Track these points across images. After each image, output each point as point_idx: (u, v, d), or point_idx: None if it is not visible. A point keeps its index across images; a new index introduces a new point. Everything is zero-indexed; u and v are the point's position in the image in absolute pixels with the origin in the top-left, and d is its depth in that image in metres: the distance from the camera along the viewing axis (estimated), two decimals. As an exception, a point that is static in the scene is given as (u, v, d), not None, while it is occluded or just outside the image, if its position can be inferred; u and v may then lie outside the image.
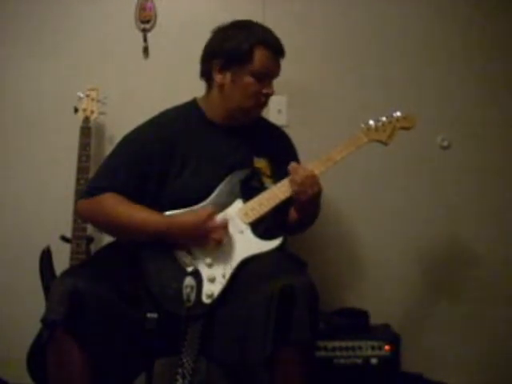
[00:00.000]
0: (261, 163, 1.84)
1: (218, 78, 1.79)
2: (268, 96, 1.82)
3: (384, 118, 1.87)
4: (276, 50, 1.79)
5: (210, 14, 2.30)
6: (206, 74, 1.84)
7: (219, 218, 1.67)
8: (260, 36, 1.78)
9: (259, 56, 1.76)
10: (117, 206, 1.69)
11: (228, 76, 1.78)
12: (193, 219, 1.65)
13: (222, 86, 1.80)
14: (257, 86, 1.78)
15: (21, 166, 2.36)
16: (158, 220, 1.67)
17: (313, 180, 1.73)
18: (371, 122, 1.86)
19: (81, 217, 2.00)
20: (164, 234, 1.66)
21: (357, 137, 1.84)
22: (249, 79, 1.77)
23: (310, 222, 1.94)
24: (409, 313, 2.34)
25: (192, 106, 1.89)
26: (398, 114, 1.89)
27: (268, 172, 1.84)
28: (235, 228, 1.70)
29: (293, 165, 1.74)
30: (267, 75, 1.79)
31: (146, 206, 1.70)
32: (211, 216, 1.65)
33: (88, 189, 1.78)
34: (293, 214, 1.85)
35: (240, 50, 1.75)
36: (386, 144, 1.87)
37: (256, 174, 1.81)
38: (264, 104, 1.84)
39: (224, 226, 1.66)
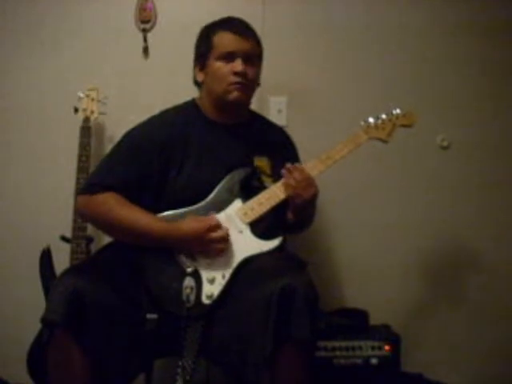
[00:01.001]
0: (261, 162, 1.84)
1: (198, 77, 1.86)
2: (240, 75, 1.77)
3: (384, 116, 1.87)
4: (232, 28, 1.81)
5: (209, 14, 2.26)
6: (194, 79, 1.90)
7: (222, 227, 1.67)
8: (216, 23, 1.84)
9: (217, 40, 1.80)
10: (119, 208, 1.68)
11: (204, 72, 1.83)
12: (195, 228, 1.64)
13: (202, 84, 1.85)
14: (226, 68, 1.79)
15: (21, 165, 2.36)
16: (160, 226, 1.66)
17: (307, 182, 1.72)
18: (371, 120, 1.86)
19: (80, 214, 1.96)
20: (165, 241, 1.66)
21: (356, 135, 1.84)
22: (216, 64, 1.79)
23: (306, 224, 1.94)
24: (409, 313, 2.35)
25: (191, 105, 1.89)
26: (398, 111, 1.89)
27: (268, 171, 1.83)
28: (234, 228, 1.70)
29: (287, 167, 1.74)
30: (233, 54, 1.79)
31: (147, 210, 1.69)
32: (215, 227, 1.65)
33: (87, 185, 1.78)
34: (289, 215, 1.84)
35: (202, 44, 1.83)
36: (385, 142, 1.87)
37: (256, 173, 1.81)
38: (240, 85, 1.78)
39: (225, 237, 1.66)
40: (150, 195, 1.75)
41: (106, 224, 1.73)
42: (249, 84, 1.82)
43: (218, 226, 1.66)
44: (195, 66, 1.87)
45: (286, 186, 1.73)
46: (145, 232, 1.66)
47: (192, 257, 1.66)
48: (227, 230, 1.67)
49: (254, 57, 1.83)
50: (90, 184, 1.76)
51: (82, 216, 1.99)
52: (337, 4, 2.35)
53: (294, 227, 1.90)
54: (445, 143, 2.32)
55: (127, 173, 1.73)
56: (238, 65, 1.78)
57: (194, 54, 1.88)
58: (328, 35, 2.35)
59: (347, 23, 2.35)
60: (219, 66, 1.79)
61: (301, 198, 1.72)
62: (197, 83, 1.89)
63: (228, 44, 1.79)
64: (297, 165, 1.76)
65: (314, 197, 1.76)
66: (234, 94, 1.80)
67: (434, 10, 2.34)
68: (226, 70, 1.78)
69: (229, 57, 1.78)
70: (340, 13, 2.35)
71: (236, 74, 1.77)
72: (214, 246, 1.64)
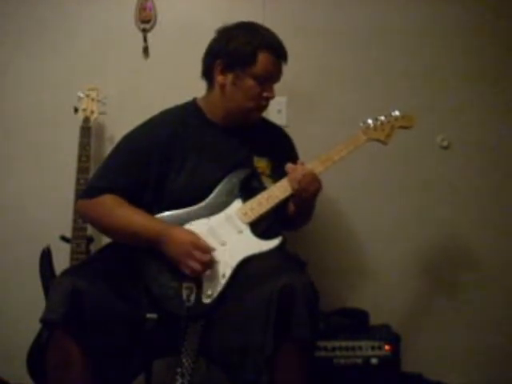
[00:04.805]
0: (261, 163, 1.84)
1: (219, 78, 1.79)
2: (268, 100, 1.82)
3: (383, 118, 1.87)
4: (279, 54, 1.79)
5: (210, 13, 2.30)
6: (208, 74, 1.84)
7: (209, 254, 1.63)
8: (264, 40, 1.77)
9: (262, 60, 1.75)
10: (115, 208, 1.69)
11: (230, 77, 1.78)
12: (185, 238, 1.62)
13: (223, 87, 1.79)
14: (258, 89, 1.77)
15: (21, 166, 2.36)
16: (153, 227, 1.66)
17: (312, 177, 1.73)
18: (370, 121, 1.86)
19: (81, 217, 2.01)
20: (154, 243, 1.64)
21: (356, 136, 1.85)
22: (250, 82, 1.76)
23: (305, 220, 1.94)
24: (409, 313, 2.35)
25: (192, 105, 1.89)
26: (397, 113, 1.89)
27: (268, 172, 1.84)
28: (234, 228, 1.70)
29: (289, 165, 1.74)
30: (269, 79, 1.79)
31: (144, 211, 1.69)
32: (204, 247, 1.62)
33: (87, 189, 1.79)
34: (290, 208, 1.84)
35: (243, 53, 1.75)
36: (385, 143, 1.87)
37: (256, 173, 1.81)
38: (264, 107, 1.85)
39: (205, 262, 1.60)
40: (150, 196, 1.75)
41: (104, 225, 1.74)
42: (268, 105, 1.85)
43: (207, 250, 1.62)
44: (217, 63, 1.78)
45: (292, 180, 1.72)
46: (138, 231, 1.65)
47: None
48: (212, 260, 1.62)
49: (279, 80, 1.84)
50: (89, 188, 1.78)
51: (83, 219, 2.02)
52: (337, 4, 2.35)
53: (294, 222, 1.91)
54: (445, 143, 2.32)
55: (126, 175, 1.74)
56: (271, 91, 1.80)
57: (218, 51, 1.78)
58: (328, 35, 2.35)
59: (347, 23, 2.36)
60: (253, 85, 1.76)
61: (307, 192, 1.72)
62: (209, 79, 1.84)
63: (270, 69, 1.77)
64: (298, 162, 1.77)
65: (318, 191, 1.76)
66: (256, 115, 1.84)
67: (434, 11, 2.35)
68: (257, 92, 1.77)
69: (264, 80, 1.77)
70: (340, 13, 2.35)
71: (266, 98, 1.80)
72: (192, 263, 1.59)
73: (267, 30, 1.82)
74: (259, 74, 1.76)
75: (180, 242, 1.62)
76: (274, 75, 1.80)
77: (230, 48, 1.77)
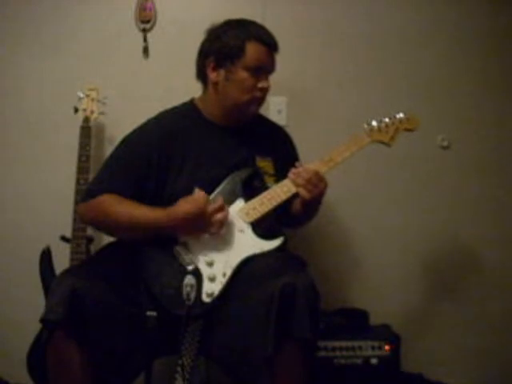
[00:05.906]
0: (263, 163, 1.84)
1: (212, 76, 1.79)
2: (263, 91, 1.80)
3: (387, 119, 1.86)
4: (268, 43, 1.79)
5: (209, 13, 2.28)
6: (201, 74, 1.85)
7: (215, 201, 1.67)
8: (251, 31, 1.78)
9: (251, 50, 1.75)
10: (115, 204, 1.69)
11: (222, 73, 1.78)
12: (193, 208, 1.64)
13: (216, 84, 1.80)
14: (251, 81, 1.77)
15: (21, 165, 2.36)
16: (157, 213, 1.67)
17: (317, 178, 1.72)
18: (374, 123, 1.85)
19: (82, 220, 1.99)
20: (165, 227, 1.66)
21: (359, 137, 1.84)
22: (243, 74, 1.76)
23: (312, 216, 1.93)
24: (409, 313, 2.35)
25: (190, 106, 1.89)
26: (401, 115, 1.88)
27: (270, 171, 1.84)
28: (236, 227, 1.70)
29: (293, 170, 1.74)
30: (261, 69, 1.78)
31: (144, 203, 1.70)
32: (208, 202, 1.65)
33: (87, 192, 1.79)
34: (296, 207, 1.84)
35: (231, 46, 1.76)
36: (388, 145, 1.86)
37: (258, 173, 1.81)
38: (260, 100, 1.83)
39: (222, 208, 1.66)
40: (150, 197, 1.75)
41: (106, 223, 1.74)
42: (265, 97, 1.84)
43: (209, 200, 1.67)
44: (207, 62, 1.80)
45: (297, 186, 1.72)
46: (142, 222, 1.66)
47: (193, 254, 1.66)
48: (221, 199, 1.68)
49: (273, 70, 1.84)
50: (89, 190, 1.78)
51: (84, 222, 2.01)
52: (337, 4, 2.35)
53: (299, 220, 1.91)
54: (445, 143, 2.31)
55: (125, 178, 1.74)
56: (265, 82, 1.79)
57: (208, 50, 1.80)
58: (328, 35, 2.35)
59: (347, 23, 2.35)
60: (246, 76, 1.76)
61: (313, 194, 1.72)
62: (203, 79, 1.85)
63: (260, 58, 1.77)
64: (298, 164, 1.76)
65: (325, 189, 1.76)
66: (253, 108, 1.82)
67: (434, 11, 2.35)
68: (251, 83, 1.77)
69: (256, 70, 1.77)
70: (340, 12, 2.35)
71: (261, 90, 1.78)
72: (215, 218, 1.64)
73: (254, 23, 1.82)
74: (250, 64, 1.75)
75: (189, 214, 1.63)
76: (265, 64, 1.79)
77: (217, 45, 1.78)
